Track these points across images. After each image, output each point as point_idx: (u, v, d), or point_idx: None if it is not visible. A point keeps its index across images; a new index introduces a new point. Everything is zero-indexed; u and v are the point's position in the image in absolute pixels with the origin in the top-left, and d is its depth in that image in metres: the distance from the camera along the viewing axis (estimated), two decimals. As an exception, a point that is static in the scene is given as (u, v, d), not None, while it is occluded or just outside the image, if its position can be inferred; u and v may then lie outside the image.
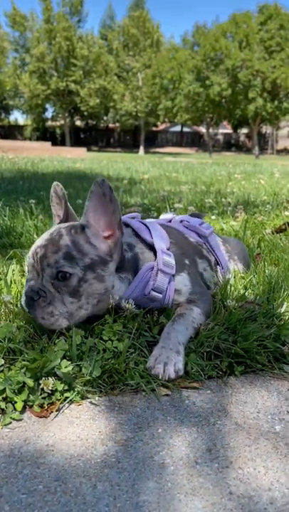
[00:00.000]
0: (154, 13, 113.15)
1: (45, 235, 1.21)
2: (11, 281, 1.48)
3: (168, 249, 1.33)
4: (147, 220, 1.45)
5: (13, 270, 1.59)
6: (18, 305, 1.32)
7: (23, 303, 1.18)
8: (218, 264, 1.56)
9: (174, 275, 1.29)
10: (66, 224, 1.24)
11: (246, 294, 1.44)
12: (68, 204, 1.32)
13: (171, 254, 1.30)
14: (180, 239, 1.45)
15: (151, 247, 1.32)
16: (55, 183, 1.28)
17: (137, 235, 1.34)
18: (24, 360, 1.05)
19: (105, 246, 1.21)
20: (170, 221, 1.58)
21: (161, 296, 1.27)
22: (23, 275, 1.57)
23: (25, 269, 1.31)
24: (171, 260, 1.28)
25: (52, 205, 1.33)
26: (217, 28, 33.58)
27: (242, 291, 1.47)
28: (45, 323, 1.15)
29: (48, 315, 1.14)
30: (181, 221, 1.58)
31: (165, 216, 1.68)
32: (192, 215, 1.74)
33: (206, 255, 1.52)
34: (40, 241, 1.20)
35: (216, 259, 1.56)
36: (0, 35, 37.24)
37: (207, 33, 33.72)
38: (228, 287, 1.46)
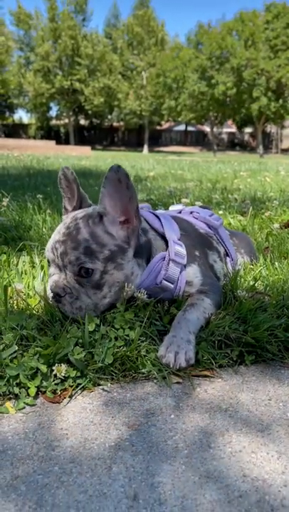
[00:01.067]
0: (159, 12, 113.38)
1: (62, 228, 1.20)
2: (22, 272, 1.49)
3: (179, 240, 1.33)
4: (158, 212, 1.46)
5: (24, 262, 1.60)
6: (31, 293, 1.33)
7: (50, 297, 1.20)
8: (227, 255, 1.57)
9: (185, 265, 1.30)
10: (82, 213, 1.23)
11: (256, 285, 1.45)
12: (80, 188, 1.32)
13: (183, 245, 1.30)
14: (190, 230, 1.46)
15: (162, 237, 1.32)
16: (64, 166, 1.28)
17: (147, 223, 1.34)
18: (37, 347, 1.06)
19: (123, 233, 1.21)
20: (180, 212, 1.59)
21: (172, 286, 1.27)
22: (33, 266, 1.58)
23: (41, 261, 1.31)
24: (183, 250, 1.29)
25: (60, 187, 1.33)
26: (223, 26, 33.51)
27: (252, 283, 1.47)
28: (74, 316, 1.18)
29: (76, 310, 1.18)
30: (191, 212, 1.58)
31: (175, 207, 1.68)
32: (200, 207, 1.74)
33: (215, 246, 1.52)
34: (57, 235, 1.20)
35: (225, 250, 1.56)
36: (5, 34, 37.29)
37: (211, 32, 33.64)
38: (238, 278, 1.46)
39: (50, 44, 37.01)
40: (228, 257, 1.56)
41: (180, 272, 1.28)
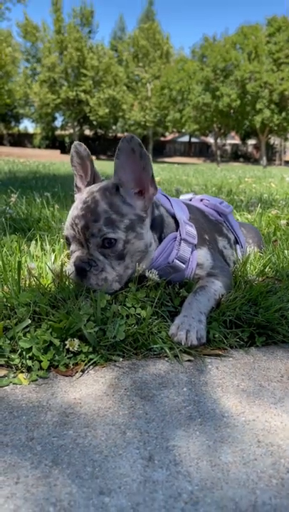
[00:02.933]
0: (165, 25, 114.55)
1: (79, 204, 1.21)
2: (33, 255, 1.50)
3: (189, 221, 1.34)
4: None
5: (35, 246, 1.62)
6: (43, 273, 1.33)
7: (73, 275, 1.19)
8: (237, 243, 1.57)
9: (195, 246, 1.31)
10: (97, 186, 1.24)
11: (266, 270, 1.45)
12: (94, 164, 1.32)
13: (193, 225, 1.31)
14: (200, 215, 1.47)
15: (173, 218, 1.33)
16: (76, 142, 1.28)
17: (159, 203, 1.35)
18: (50, 321, 1.06)
19: (140, 202, 1.22)
20: (190, 200, 1.60)
21: (184, 266, 1.28)
22: (44, 254, 1.59)
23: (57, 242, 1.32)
24: (193, 230, 1.30)
25: (72, 165, 1.33)
26: (226, 40, 33.87)
27: (261, 269, 1.48)
28: (100, 289, 1.18)
29: (102, 281, 1.18)
30: (201, 200, 1.59)
31: (185, 196, 1.69)
32: None
33: (225, 233, 1.53)
34: (76, 211, 1.20)
35: (235, 237, 1.57)
36: (12, 46, 37.79)
37: (215, 45, 34.00)
38: (248, 265, 1.47)
39: (57, 55, 37.44)
40: (237, 245, 1.57)
41: (191, 252, 1.28)
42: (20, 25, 37.88)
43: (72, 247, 1.23)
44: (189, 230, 1.29)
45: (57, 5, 37.51)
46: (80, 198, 1.24)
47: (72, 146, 1.29)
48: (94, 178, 1.32)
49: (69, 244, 1.25)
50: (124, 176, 1.21)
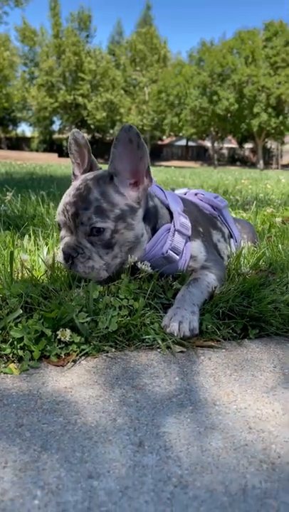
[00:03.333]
0: (162, 29, 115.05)
1: (72, 191, 1.21)
2: (26, 249, 1.49)
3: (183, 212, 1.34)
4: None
5: (29, 240, 1.61)
6: (36, 266, 1.33)
7: (61, 260, 1.20)
8: (231, 237, 1.57)
9: (189, 237, 1.30)
10: (92, 174, 1.24)
11: (259, 263, 1.45)
12: (91, 153, 1.32)
13: (187, 217, 1.31)
14: (194, 208, 1.46)
15: (167, 209, 1.33)
16: (74, 130, 1.28)
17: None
18: (42, 311, 1.06)
19: (134, 193, 1.22)
20: (185, 194, 1.59)
21: (177, 257, 1.28)
22: (38, 248, 1.58)
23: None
24: (187, 222, 1.29)
25: (70, 152, 1.33)
26: (223, 44, 34.05)
27: (255, 262, 1.47)
28: (87, 276, 1.19)
29: (89, 269, 1.18)
30: (196, 194, 1.59)
31: (180, 191, 1.69)
32: None
33: (219, 227, 1.53)
34: (67, 197, 1.21)
35: (229, 231, 1.57)
36: (10, 49, 37.87)
37: (213, 50, 34.17)
38: (242, 258, 1.46)
39: (54, 59, 37.53)
40: (231, 239, 1.57)
41: (185, 244, 1.28)
42: (19, 29, 38.00)
43: (63, 232, 1.23)
44: (183, 221, 1.28)
45: (55, 9, 37.66)
46: (74, 184, 1.24)
47: (71, 133, 1.29)
48: (91, 167, 1.32)
49: (60, 230, 1.25)
50: (119, 166, 1.20)
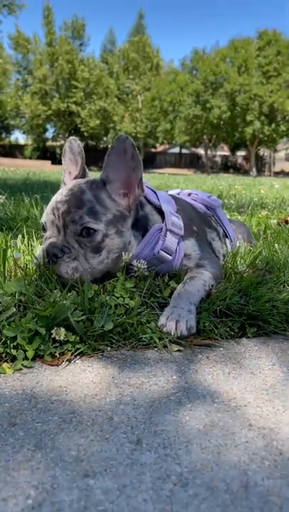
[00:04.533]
0: (155, 38, 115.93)
1: (65, 191, 1.19)
2: (19, 249, 1.47)
3: (176, 213, 1.32)
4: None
5: (22, 239, 1.59)
6: (29, 265, 1.31)
7: (39, 259, 1.14)
8: (226, 236, 1.56)
9: (182, 237, 1.28)
10: (84, 180, 1.22)
11: (256, 262, 1.44)
12: (85, 162, 1.31)
13: (179, 217, 1.29)
14: (188, 207, 1.45)
15: (159, 211, 1.31)
16: (71, 137, 1.27)
17: (145, 197, 1.33)
18: (36, 310, 1.03)
19: (125, 202, 1.20)
20: (178, 194, 1.58)
21: (170, 257, 1.26)
22: (32, 249, 1.56)
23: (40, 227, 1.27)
24: (180, 221, 1.28)
25: (63, 159, 1.32)
26: (216, 53, 34.38)
27: (252, 260, 1.46)
28: (68, 277, 1.13)
29: (72, 270, 1.13)
30: (189, 194, 1.58)
31: (173, 191, 1.67)
32: None
33: (214, 226, 1.51)
34: (59, 196, 1.18)
35: (224, 231, 1.55)
36: (3, 57, 37.97)
37: (206, 58, 34.48)
38: (238, 257, 1.45)
39: (48, 67, 37.67)
40: (227, 239, 1.56)
41: (178, 244, 1.26)
42: (12, 37, 38.13)
43: (48, 233, 1.18)
44: (175, 220, 1.27)
45: (48, 18, 37.88)
46: (66, 187, 1.22)
47: (68, 140, 1.28)
48: (83, 174, 1.31)
49: (44, 231, 1.20)
50: (112, 174, 1.20)
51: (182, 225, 1.29)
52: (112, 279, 1.21)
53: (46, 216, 1.19)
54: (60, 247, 1.14)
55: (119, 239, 1.18)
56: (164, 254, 1.25)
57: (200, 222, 1.45)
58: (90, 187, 1.18)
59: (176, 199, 1.42)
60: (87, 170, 1.32)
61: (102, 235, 1.15)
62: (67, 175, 1.33)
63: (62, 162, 1.32)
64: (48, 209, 1.19)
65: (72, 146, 1.28)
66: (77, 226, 1.13)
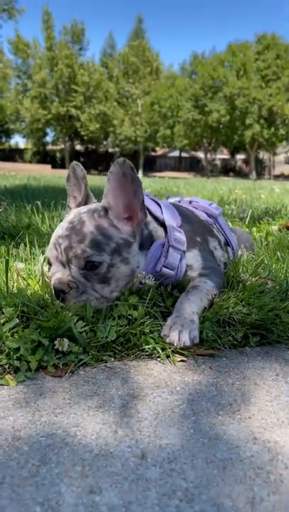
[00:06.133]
0: (154, 42, 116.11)
1: (65, 224, 1.17)
2: (22, 258, 1.47)
3: (179, 227, 1.31)
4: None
5: (24, 249, 1.59)
6: (32, 275, 1.30)
7: (53, 294, 1.13)
8: (228, 244, 1.56)
9: (184, 252, 1.28)
10: (85, 208, 1.21)
11: (258, 270, 1.44)
12: (88, 186, 1.30)
13: (182, 231, 1.28)
14: (191, 217, 1.45)
15: (162, 225, 1.31)
16: (74, 162, 1.27)
17: (148, 211, 1.33)
18: (39, 320, 1.03)
19: (128, 228, 1.18)
20: (179, 202, 1.58)
21: (173, 273, 1.25)
22: (34, 257, 1.56)
23: (42, 262, 1.26)
24: (182, 236, 1.27)
25: (68, 185, 1.31)
26: (215, 57, 34.50)
27: (254, 269, 1.46)
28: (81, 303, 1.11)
29: (82, 302, 1.11)
30: (190, 202, 1.57)
31: (173, 199, 1.67)
32: None
33: (216, 234, 1.51)
34: (60, 231, 1.16)
35: (225, 239, 1.55)
36: (3, 62, 38.08)
37: (204, 63, 34.59)
38: (240, 266, 1.45)
39: (47, 72, 37.79)
40: (228, 247, 1.56)
41: (180, 260, 1.26)
42: (12, 42, 38.25)
43: (53, 268, 1.16)
44: (178, 236, 1.26)
45: (48, 23, 38.04)
46: (67, 218, 1.20)
47: (70, 166, 1.27)
48: (86, 200, 1.30)
49: (50, 265, 1.19)
50: (113, 201, 1.18)
51: (185, 239, 1.28)
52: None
53: (49, 252, 1.17)
54: (66, 282, 1.11)
55: (126, 266, 1.17)
56: (167, 271, 1.24)
57: (203, 230, 1.44)
58: (91, 217, 1.16)
59: (179, 208, 1.41)
60: (91, 194, 1.31)
61: (108, 266, 1.13)
62: (73, 200, 1.32)
63: (67, 187, 1.31)
64: (50, 244, 1.17)
65: (76, 171, 1.27)
66: (81, 260, 1.11)
